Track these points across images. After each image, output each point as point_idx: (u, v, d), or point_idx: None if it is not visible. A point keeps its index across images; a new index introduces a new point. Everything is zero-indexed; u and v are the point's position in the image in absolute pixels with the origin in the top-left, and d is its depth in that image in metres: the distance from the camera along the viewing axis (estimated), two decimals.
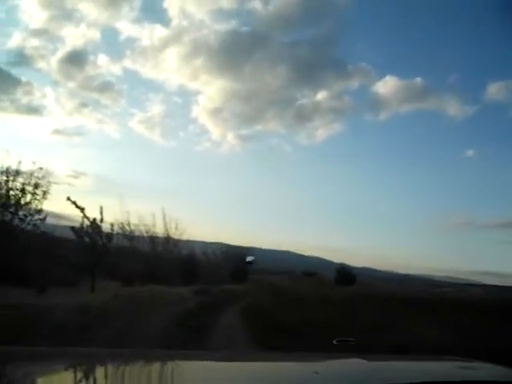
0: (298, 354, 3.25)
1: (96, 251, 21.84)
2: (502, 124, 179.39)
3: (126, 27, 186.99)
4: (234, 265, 43.90)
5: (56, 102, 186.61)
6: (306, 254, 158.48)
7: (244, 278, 46.37)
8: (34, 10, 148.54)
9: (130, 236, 28.01)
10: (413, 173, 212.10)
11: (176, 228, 30.51)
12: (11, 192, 17.43)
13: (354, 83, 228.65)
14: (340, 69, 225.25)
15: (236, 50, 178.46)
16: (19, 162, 17.51)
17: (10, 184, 17.48)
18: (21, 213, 17.95)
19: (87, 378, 2.02)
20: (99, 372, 2.13)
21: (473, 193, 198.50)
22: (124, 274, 25.90)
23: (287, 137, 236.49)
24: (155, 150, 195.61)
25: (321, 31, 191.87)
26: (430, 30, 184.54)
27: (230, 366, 2.38)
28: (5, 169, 17.41)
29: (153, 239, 29.54)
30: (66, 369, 2.10)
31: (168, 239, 30.91)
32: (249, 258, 31.40)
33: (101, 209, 22.98)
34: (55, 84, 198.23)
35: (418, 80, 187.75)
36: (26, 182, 17.11)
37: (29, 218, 18.35)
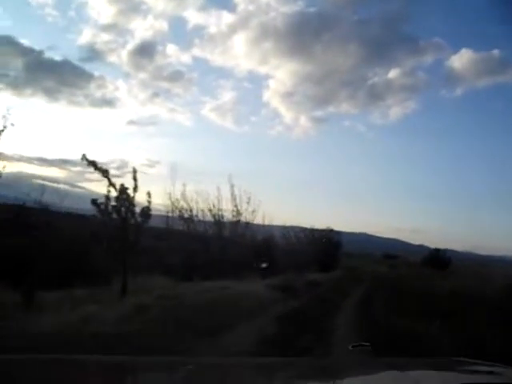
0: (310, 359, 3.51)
1: (126, 233, 13.78)
2: None
3: (193, 15, 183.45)
4: (319, 249, 35.14)
5: (129, 94, 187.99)
6: (382, 235, 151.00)
7: (333, 264, 37.65)
8: (101, 5, 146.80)
9: (186, 218, 19.87)
10: (492, 148, 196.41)
11: (249, 205, 21.77)
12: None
13: (428, 59, 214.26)
14: (412, 45, 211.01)
15: (304, 32, 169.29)
16: None
17: None
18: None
19: None
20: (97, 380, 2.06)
21: None
22: (174, 265, 17.87)
23: (360, 117, 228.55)
24: (228, 136, 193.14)
25: (390, 7, 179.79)
26: None
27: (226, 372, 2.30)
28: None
29: (218, 221, 21.03)
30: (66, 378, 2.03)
31: (238, 221, 22.34)
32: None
33: (148, 193, 15.30)
34: (127, 76, 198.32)
35: (496, 52, 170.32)
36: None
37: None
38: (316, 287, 21.86)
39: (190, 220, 19.81)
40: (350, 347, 2.63)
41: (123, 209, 14.30)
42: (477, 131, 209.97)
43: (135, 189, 14.54)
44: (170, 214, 20.36)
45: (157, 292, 13.34)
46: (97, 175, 13.85)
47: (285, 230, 33.91)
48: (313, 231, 36.72)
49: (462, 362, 2.54)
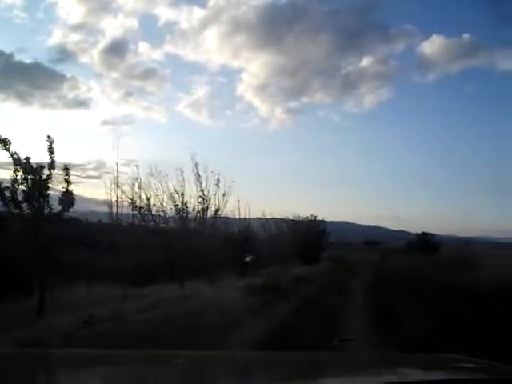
0: (297, 354, 3.09)
1: (36, 229, 9.54)
2: None
3: (164, 12, 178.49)
4: (303, 240, 31.03)
5: (102, 94, 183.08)
6: (363, 223, 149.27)
7: (318, 255, 33.61)
8: (71, 5, 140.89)
9: (140, 208, 15.17)
10: (467, 132, 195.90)
11: (218, 187, 16.95)
12: None
13: (400, 46, 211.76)
14: (383, 32, 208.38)
15: (276, 24, 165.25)
16: None
17: None
18: None
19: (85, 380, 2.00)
20: (97, 373, 2.10)
21: None
22: (124, 269, 13.54)
23: (335, 106, 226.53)
24: (204, 131, 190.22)
25: None
26: None
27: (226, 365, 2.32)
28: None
29: (182, 210, 16.19)
30: (67, 370, 2.10)
31: (206, 209, 17.45)
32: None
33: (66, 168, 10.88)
34: (99, 76, 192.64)
35: (466, 36, 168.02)
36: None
37: None
38: (305, 285, 17.77)
39: (145, 211, 15.36)
40: (335, 341, 2.69)
41: (36, 196, 9.98)
42: (451, 115, 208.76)
43: (51, 165, 10.21)
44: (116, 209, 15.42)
45: (84, 310, 9.11)
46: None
47: (265, 222, 29.69)
48: (295, 221, 32.52)
49: (455, 359, 2.54)
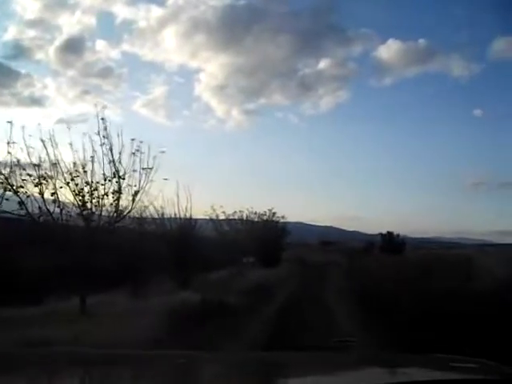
0: (295, 354, 2.87)
1: None
2: (509, 81, 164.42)
3: (122, 10, 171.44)
4: (261, 240, 26.00)
5: (58, 92, 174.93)
6: (318, 223, 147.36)
7: (278, 256, 28.69)
8: (27, 0, 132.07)
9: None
10: (422, 135, 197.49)
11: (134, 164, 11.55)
12: None
13: (357, 49, 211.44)
14: (341, 35, 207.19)
15: (235, 24, 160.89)
16: None
17: None
18: None
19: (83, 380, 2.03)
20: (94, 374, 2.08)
21: (485, 152, 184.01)
22: None
23: (292, 108, 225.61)
24: (161, 131, 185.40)
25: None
26: None
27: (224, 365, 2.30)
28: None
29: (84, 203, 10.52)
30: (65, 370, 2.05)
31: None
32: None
33: None
34: (55, 74, 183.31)
35: (422, 41, 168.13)
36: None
37: None
38: (265, 298, 12.76)
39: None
40: (333, 341, 2.56)
41: None
42: (407, 118, 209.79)
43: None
44: None
45: None
46: None
47: (218, 221, 24.35)
48: (251, 221, 27.32)
49: (455, 359, 2.46)
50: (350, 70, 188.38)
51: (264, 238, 26.22)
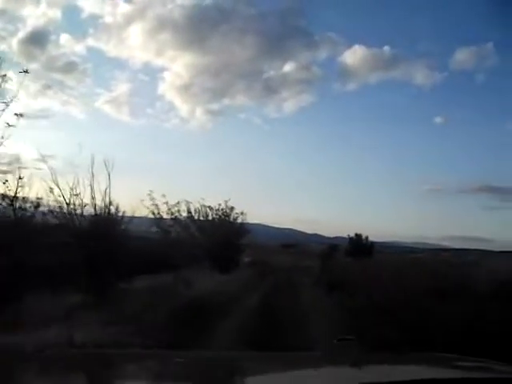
0: (297, 354, 3.07)
1: None
2: (469, 90, 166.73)
3: (88, 4, 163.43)
4: (216, 240, 21.17)
5: (19, 85, 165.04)
6: (278, 226, 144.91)
7: (236, 259, 23.86)
8: None
9: None
10: (382, 141, 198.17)
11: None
12: None
13: (322, 53, 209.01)
14: (307, 39, 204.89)
15: (201, 24, 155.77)
16: None
17: None
18: None
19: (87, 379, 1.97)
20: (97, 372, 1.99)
21: (443, 159, 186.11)
22: None
23: (256, 109, 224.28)
24: (123, 129, 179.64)
25: (287, 2, 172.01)
26: None
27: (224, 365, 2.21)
28: None
29: None
30: (66, 370, 2.01)
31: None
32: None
33: None
34: (17, 66, 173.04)
35: (387, 48, 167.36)
36: None
37: None
38: (206, 330, 7.96)
39: None
40: (335, 341, 2.55)
41: None
42: (370, 123, 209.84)
43: None
44: None
45: None
46: None
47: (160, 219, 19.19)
48: (204, 217, 22.26)
49: (454, 358, 2.49)
50: (315, 74, 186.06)
51: (219, 237, 21.39)
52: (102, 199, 11.54)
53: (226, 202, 22.89)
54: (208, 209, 21.57)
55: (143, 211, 17.41)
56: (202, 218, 21.81)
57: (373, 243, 42.60)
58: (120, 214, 12.05)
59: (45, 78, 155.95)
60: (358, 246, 40.98)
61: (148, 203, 17.49)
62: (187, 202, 20.31)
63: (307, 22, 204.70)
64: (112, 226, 11.74)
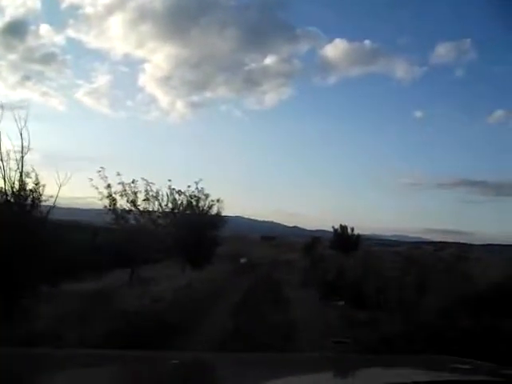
0: (295, 355, 3.06)
1: None
2: (448, 84, 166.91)
3: None
4: (187, 231, 17.92)
5: None
6: (258, 218, 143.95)
7: (209, 252, 20.52)
8: None
9: None
10: (361, 134, 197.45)
11: None
12: None
13: (303, 47, 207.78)
14: (288, 32, 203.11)
15: (182, 15, 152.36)
16: None
17: None
18: None
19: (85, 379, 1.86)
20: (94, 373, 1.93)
21: (422, 153, 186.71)
22: None
23: (237, 102, 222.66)
24: (103, 121, 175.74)
25: None
26: None
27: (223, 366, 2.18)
28: None
29: None
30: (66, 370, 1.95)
31: None
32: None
33: None
34: None
35: (367, 42, 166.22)
36: None
37: None
38: None
39: None
40: (332, 342, 2.55)
41: None
42: (348, 117, 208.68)
43: None
44: None
45: None
46: None
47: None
48: (172, 204, 18.68)
49: (453, 360, 2.44)
50: (296, 67, 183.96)
51: (188, 228, 18.13)
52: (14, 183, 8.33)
53: (196, 183, 19.13)
54: (177, 194, 18.13)
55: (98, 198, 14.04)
56: (170, 205, 18.30)
57: (359, 235, 39.65)
58: (39, 198, 8.69)
59: (24, 69, 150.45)
60: (343, 239, 38.13)
61: (98, 183, 13.93)
62: (147, 183, 15.90)
63: (289, 15, 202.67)
64: (23, 214, 8.44)
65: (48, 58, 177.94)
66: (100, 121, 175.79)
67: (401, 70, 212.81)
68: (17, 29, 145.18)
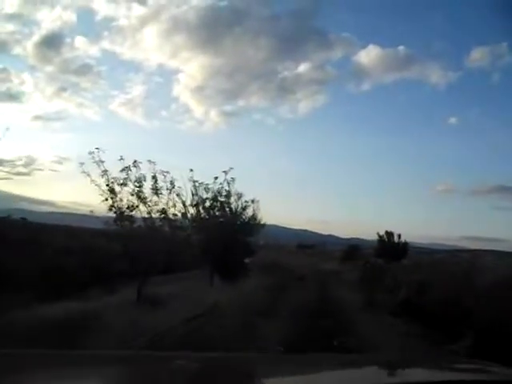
0: (295, 355, 2.97)
1: None
2: (484, 90, 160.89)
3: (102, 7, 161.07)
4: (215, 237, 14.55)
5: (35, 88, 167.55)
6: (293, 227, 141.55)
7: (243, 262, 17.19)
8: None
9: None
10: (396, 142, 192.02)
11: None
12: None
13: (337, 53, 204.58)
14: (321, 39, 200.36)
15: (216, 26, 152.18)
16: None
17: None
18: None
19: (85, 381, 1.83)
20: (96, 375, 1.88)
21: (457, 160, 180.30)
22: None
23: (270, 110, 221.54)
24: (138, 131, 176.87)
25: (301, 3, 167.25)
26: None
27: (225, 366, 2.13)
28: None
29: None
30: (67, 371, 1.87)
31: None
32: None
33: None
34: (33, 69, 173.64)
35: (401, 48, 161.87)
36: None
37: None
38: None
39: None
40: (335, 343, 2.48)
41: None
42: (383, 124, 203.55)
43: None
44: None
45: None
46: None
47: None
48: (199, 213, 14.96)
49: (454, 360, 2.50)
50: (329, 74, 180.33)
51: (219, 232, 14.81)
52: None
53: (225, 173, 14.99)
54: (204, 189, 14.79)
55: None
56: (192, 202, 14.82)
57: (406, 242, 35.71)
58: None
59: (60, 80, 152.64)
60: (389, 246, 34.35)
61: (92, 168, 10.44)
62: (161, 172, 11.26)
63: (322, 22, 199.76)
64: None
65: (83, 70, 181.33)
66: (134, 130, 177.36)
67: (435, 75, 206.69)
68: (53, 41, 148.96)
